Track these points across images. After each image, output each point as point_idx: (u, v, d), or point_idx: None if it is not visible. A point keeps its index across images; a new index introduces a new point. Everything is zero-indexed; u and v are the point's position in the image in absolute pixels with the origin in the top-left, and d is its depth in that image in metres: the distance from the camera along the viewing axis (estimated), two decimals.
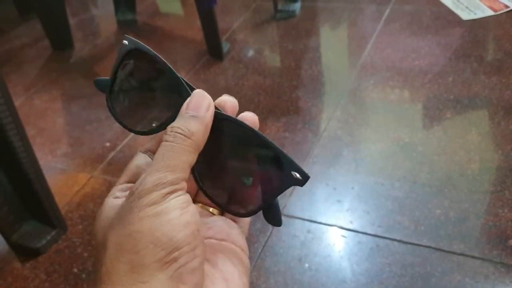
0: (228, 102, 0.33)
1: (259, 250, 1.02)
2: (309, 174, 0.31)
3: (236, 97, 0.34)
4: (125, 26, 2.03)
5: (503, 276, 0.90)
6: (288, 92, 1.48)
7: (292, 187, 0.31)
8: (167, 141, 0.30)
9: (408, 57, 1.55)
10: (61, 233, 1.11)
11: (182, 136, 0.30)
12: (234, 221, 0.35)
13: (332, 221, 1.06)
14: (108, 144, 1.39)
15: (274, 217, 0.32)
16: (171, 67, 0.32)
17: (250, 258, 0.97)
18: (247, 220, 0.35)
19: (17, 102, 1.57)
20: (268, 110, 1.41)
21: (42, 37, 1.98)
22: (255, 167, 0.33)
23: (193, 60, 1.72)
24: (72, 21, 2.06)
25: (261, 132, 0.31)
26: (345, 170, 1.18)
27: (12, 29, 2.18)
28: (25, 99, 1.66)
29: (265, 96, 1.48)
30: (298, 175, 0.31)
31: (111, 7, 2.08)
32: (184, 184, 0.29)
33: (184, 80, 0.32)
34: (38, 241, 1.08)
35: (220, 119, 0.32)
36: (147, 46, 0.33)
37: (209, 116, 0.31)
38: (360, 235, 1.02)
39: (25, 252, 1.08)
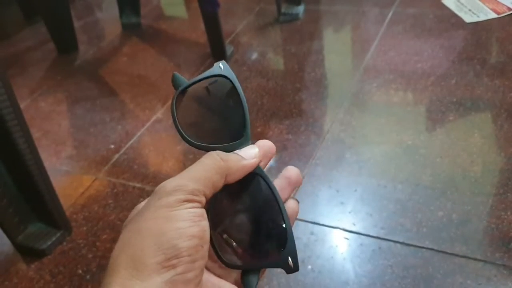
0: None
1: None
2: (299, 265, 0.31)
3: None
4: (130, 29, 2.04)
5: (505, 279, 0.90)
6: (291, 94, 1.49)
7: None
8: (201, 159, 0.31)
9: (411, 59, 1.55)
10: (66, 235, 1.12)
11: (216, 157, 0.31)
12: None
13: (335, 223, 1.06)
14: (112, 146, 1.40)
15: (248, 282, 0.32)
16: (245, 108, 0.33)
17: None
18: None
19: (22, 105, 1.58)
20: (271, 113, 1.42)
21: (47, 40, 2.00)
22: (261, 231, 0.33)
23: (197, 63, 1.73)
24: (77, 24, 2.08)
25: (284, 207, 0.33)
26: (348, 172, 1.18)
27: (17, 32, 2.19)
28: (30, 102, 1.67)
29: (268, 98, 1.48)
30: (291, 262, 0.31)
31: (115, 10, 2.09)
32: (202, 199, 0.30)
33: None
34: (43, 242, 1.09)
35: (256, 174, 0.33)
36: (237, 80, 0.34)
37: (251, 161, 0.33)
38: (363, 237, 1.02)
39: (30, 253, 1.09)
